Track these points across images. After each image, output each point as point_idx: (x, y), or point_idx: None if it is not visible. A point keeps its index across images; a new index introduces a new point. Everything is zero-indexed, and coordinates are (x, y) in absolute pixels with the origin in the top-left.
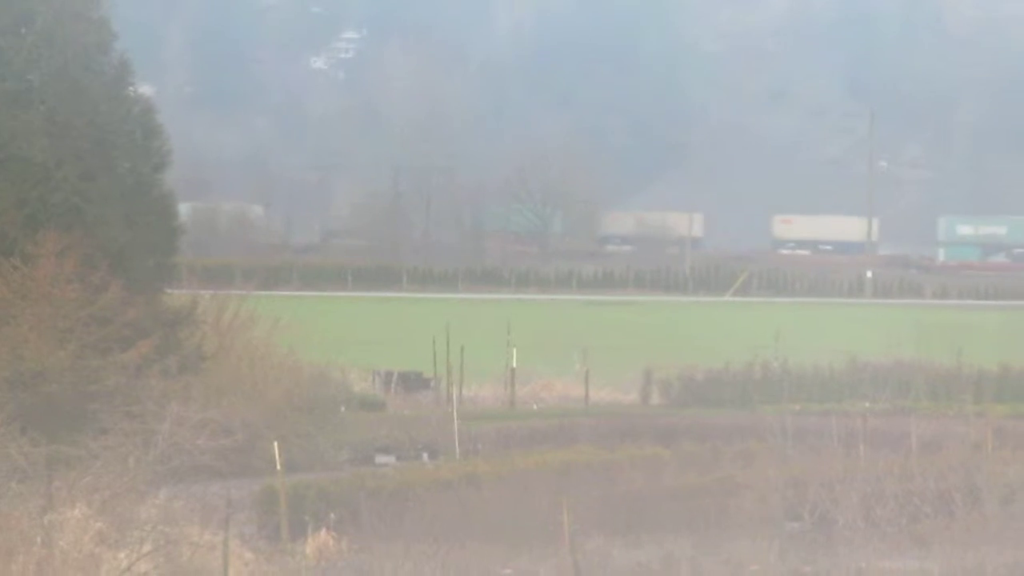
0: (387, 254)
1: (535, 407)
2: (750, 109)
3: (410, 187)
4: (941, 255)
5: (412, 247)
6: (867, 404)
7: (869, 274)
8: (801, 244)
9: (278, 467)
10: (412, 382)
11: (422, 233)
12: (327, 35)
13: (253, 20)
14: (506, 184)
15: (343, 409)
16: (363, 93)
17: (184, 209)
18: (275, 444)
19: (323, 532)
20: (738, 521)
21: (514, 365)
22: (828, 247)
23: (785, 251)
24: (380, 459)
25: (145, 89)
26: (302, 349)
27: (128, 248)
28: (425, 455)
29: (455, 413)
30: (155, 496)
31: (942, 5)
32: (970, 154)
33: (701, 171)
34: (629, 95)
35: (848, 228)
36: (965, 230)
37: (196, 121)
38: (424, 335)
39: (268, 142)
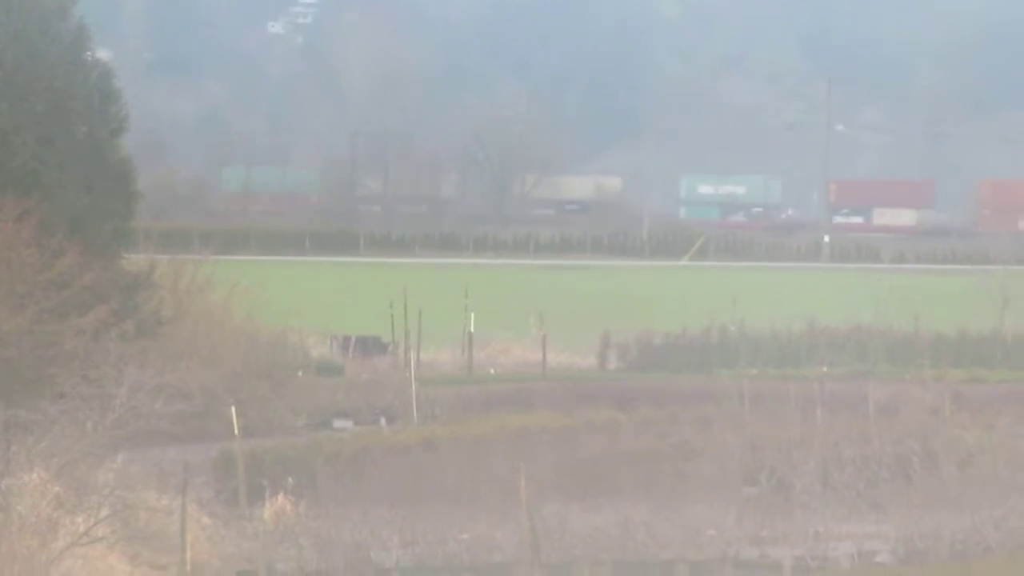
0: (345, 218)
1: (493, 372)
2: (707, 74)
3: (368, 152)
4: (682, 213)
5: (370, 211)
6: (825, 369)
7: (826, 238)
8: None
9: (236, 432)
10: (370, 347)
11: (380, 198)
12: (285, 0)
13: None
14: (464, 149)
15: (301, 374)
16: (321, 58)
17: (142, 173)
18: (232, 409)
19: (280, 496)
20: (695, 485)
21: (472, 330)
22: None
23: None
24: (338, 424)
25: (103, 54)
26: (260, 314)
27: (86, 213)
28: (383, 420)
29: (413, 378)
30: (113, 461)
31: None
32: (927, 118)
33: (658, 136)
34: (586, 60)
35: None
36: (705, 189)
37: (154, 86)
38: (382, 300)
39: (226, 107)
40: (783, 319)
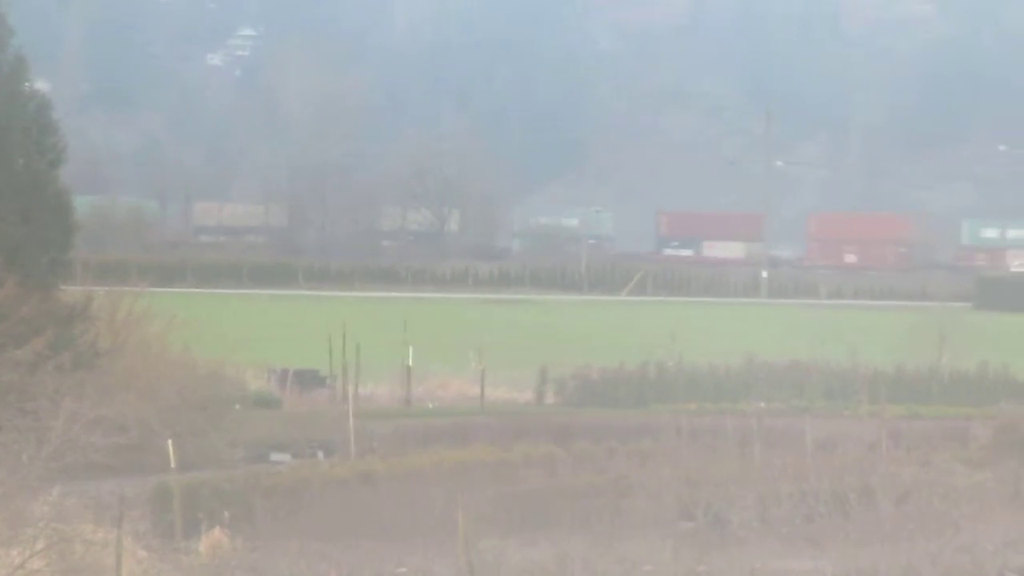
0: (284, 251)
1: (431, 405)
2: (648, 108)
3: (307, 185)
4: (516, 246)
5: (309, 245)
6: (762, 404)
7: (764, 274)
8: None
9: (172, 464)
10: (308, 380)
11: (319, 231)
12: (224, 32)
13: (149, 16)
14: (404, 182)
15: (238, 407)
16: (260, 91)
17: (80, 205)
18: (169, 442)
19: (217, 530)
20: (632, 520)
21: (410, 363)
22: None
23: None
24: (275, 457)
25: (41, 85)
26: (197, 346)
27: (23, 244)
28: (320, 453)
29: (351, 411)
30: (48, 493)
31: (839, 6)
32: (865, 153)
33: (599, 170)
34: (528, 93)
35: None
36: (543, 220)
37: (92, 117)
38: (320, 333)
39: (165, 139)
40: (721, 354)
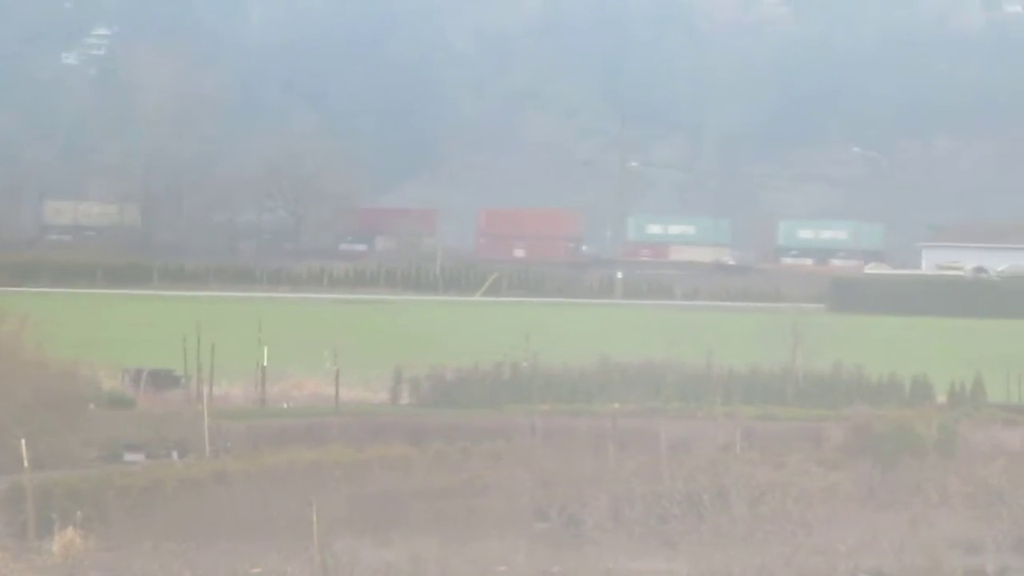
0: (138, 251)
1: (286, 405)
2: (503, 108)
3: (162, 184)
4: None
5: (164, 244)
6: (617, 405)
7: (619, 274)
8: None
9: (24, 464)
10: (162, 380)
11: (174, 230)
12: (79, 31)
13: (3, 15)
14: (259, 182)
15: (92, 406)
16: (115, 89)
17: None
18: (22, 441)
19: (70, 530)
20: (486, 521)
21: (265, 363)
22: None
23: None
24: (129, 457)
25: None
26: (51, 346)
27: None
28: (175, 453)
29: (205, 411)
30: None
31: (694, 8)
32: (721, 154)
33: (454, 169)
34: (382, 93)
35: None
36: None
37: None
38: (175, 333)
39: (19, 138)
40: (576, 355)
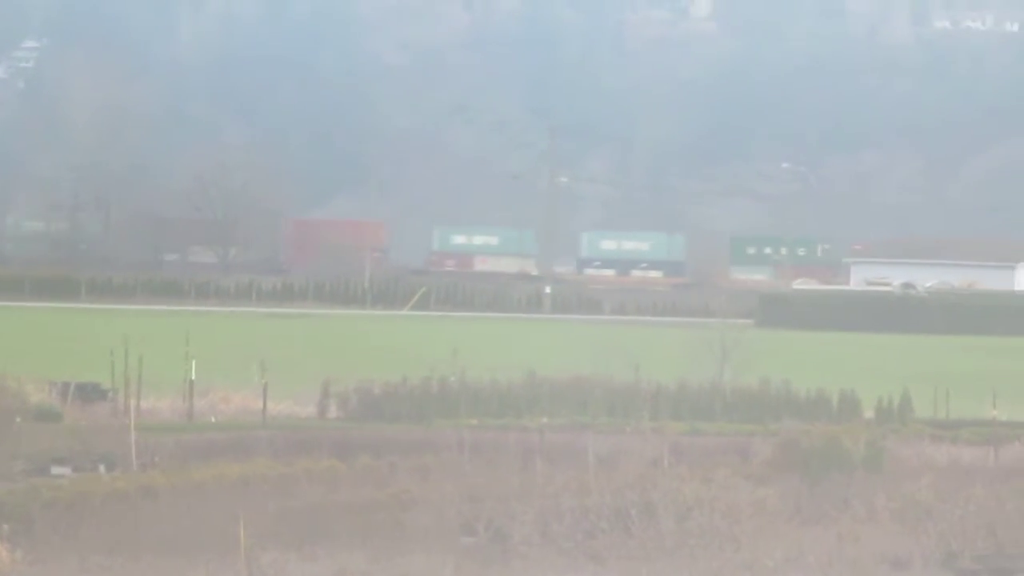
0: (66, 264)
1: (213, 419)
2: (433, 122)
3: (90, 197)
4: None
5: (91, 257)
6: (544, 419)
7: (548, 289)
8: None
9: None
10: (90, 393)
11: (102, 244)
12: (7, 44)
13: None
14: (187, 195)
15: (19, 420)
16: (44, 103)
17: None
18: None
19: None
20: (414, 536)
21: (192, 377)
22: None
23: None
24: (56, 470)
25: None
26: None
27: None
28: (102, 467)
29: (132, 425)
30: None
31: (623, 23)
32: (650, 169)
33: (384, 183)
34: (312, 106)
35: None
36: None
37: None
38: (103, 346)
39: None
40: (504, 369)
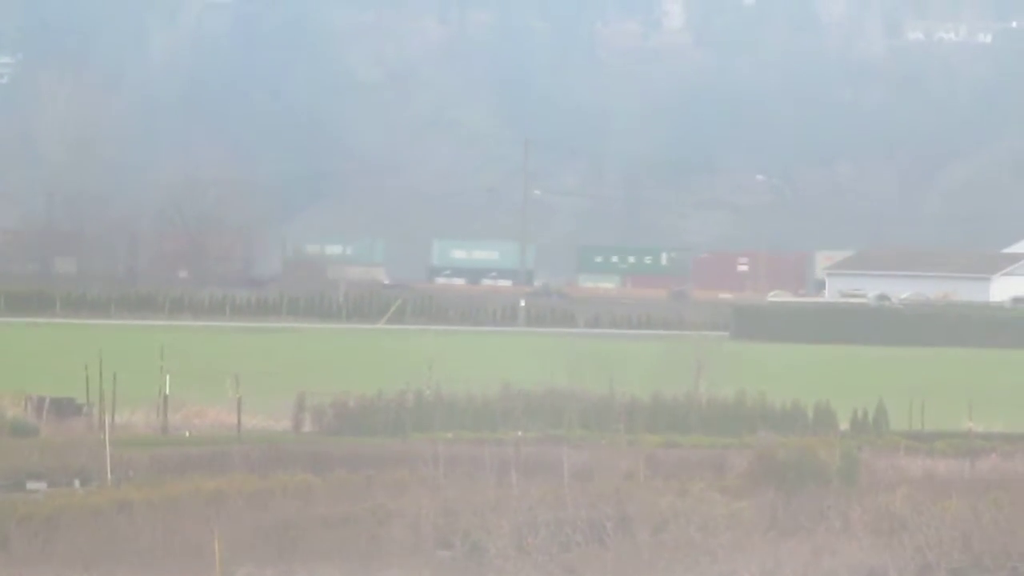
0: (40, 280)
1: (188, 434)
2: (406, 137)
3: (64, 213)
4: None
5: (66, 272)
6: (520, 432)
7: (522, 302)
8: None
9: None
10: (65, 408)
11: (76, 258)
12: None
13: None
14: (161, 211)
15: None
16: (17, 119)
17: None
18: None
19: None
20: (390, 549)
21: (167, 392)
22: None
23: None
24: (31, 485)
25: None
26: None
27: None
28: (77, 482)
29: (107, 439)
30: None
31: (596, 36)
32: (624, 181)
33: (357, 198)
34: (284, 123)
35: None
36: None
37: None
38: (77, 361)
39: None
40: (479, 382)
